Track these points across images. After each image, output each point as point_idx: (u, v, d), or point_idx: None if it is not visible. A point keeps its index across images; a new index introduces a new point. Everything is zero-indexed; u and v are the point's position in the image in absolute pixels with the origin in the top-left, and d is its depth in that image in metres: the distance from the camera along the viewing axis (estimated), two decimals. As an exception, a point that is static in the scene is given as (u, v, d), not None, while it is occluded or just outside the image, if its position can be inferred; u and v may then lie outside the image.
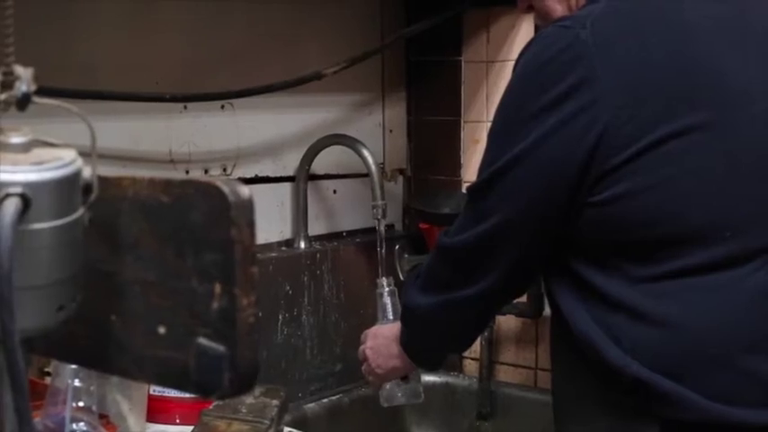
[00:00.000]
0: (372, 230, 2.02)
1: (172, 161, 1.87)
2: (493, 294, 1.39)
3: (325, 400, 2.03)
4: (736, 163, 1.24)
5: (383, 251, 1.97)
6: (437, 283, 1.44)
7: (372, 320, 1.88)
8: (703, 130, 1.22)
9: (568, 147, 1.23)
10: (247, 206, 0.66)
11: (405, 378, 1.76)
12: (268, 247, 2.02)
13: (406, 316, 1.55)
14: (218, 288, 0.66)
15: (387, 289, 1.88)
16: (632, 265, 1.24)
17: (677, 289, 1.23)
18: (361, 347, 1.70)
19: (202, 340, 0.67)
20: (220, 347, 0.66)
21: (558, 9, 1.39)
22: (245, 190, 0.67)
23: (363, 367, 1.70)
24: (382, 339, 1.65)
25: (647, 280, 1.23)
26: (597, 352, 1.25)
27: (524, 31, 2.11)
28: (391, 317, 1.84)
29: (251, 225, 0.66)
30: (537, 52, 1.27)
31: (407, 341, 1.58)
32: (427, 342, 1.57)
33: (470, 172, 2.18)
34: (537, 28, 1.42)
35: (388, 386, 1.77)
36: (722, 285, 1.23)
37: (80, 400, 1.25)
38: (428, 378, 2.14)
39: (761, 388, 1.22)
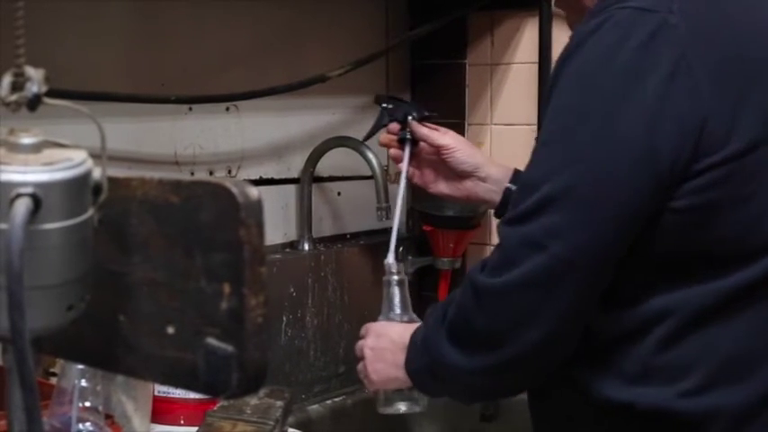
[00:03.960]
0: (376, 233, 2.02)
1: (177, 163, 1.88)
2: (548, 349, 1.15)
3: (328, 402, 2.04)
4: None
5: (394, 234, 1.64)
6: (474, 337, 1.19)
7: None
8: None
9: (668, 141, 1.07)
10: (256, 207, 0.67)
11: None
12: (272, 248, 2.02)
13: (437, 369, 1.28)
14: (226, 288, 0.66)
15: (396, 278, 1.58)
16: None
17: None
18: (360, 343, 1.47)
19: (211, 340, 0.67)
20: (229, 347, 0.67)
21: None
22: (253, 191, 0.67)
23: (359, 366, 1.47)
24: (388, 343, 1.41)
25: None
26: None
27: (529, 35, 2.11)
28: (398, 311, 1.56)
29: (260, 225, 0.67)
30: (617, 40, 1.09)
31: (423, 382, 1.34)
32: (450, 394, 1.36)
33: (474, 174, 2.17)
34: (571, 26, 1.28)
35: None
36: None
37: (86, 400, 1.26)
38: (431, 380, 2.15)
39: None
